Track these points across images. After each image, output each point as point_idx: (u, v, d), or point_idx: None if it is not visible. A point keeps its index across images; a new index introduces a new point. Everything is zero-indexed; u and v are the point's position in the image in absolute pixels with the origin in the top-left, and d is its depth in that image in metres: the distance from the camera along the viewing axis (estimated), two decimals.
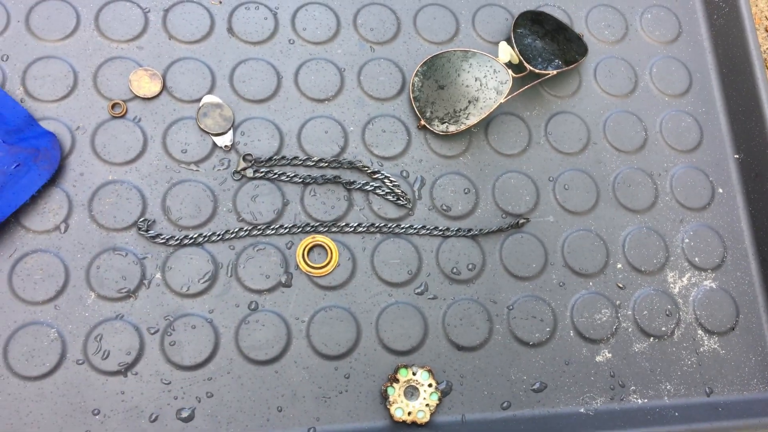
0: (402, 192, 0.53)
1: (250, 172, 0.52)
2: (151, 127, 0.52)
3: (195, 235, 0.49)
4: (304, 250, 0.50)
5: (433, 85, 0.55)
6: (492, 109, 0.54)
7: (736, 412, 0.51)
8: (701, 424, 0.50)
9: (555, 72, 0.56)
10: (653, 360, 0.53)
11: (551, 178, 0.56)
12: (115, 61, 0.53)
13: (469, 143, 0.56)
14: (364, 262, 0.51)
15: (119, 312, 0.47)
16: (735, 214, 0.59)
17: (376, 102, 0.56)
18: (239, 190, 0.51)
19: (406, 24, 0.59)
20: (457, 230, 0.53)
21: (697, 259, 0.56)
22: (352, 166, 0.53)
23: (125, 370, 0.46)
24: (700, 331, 0.54)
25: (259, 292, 0.49)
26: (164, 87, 0.53)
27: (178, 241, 0.49)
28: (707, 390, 0.53)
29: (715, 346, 0.54)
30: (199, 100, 0.53)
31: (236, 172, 0.52)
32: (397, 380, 0.48)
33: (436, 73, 0.55)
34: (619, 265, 0.55)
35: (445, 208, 0.54)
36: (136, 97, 0.52)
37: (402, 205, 0.53)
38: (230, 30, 0.56)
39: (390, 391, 0.48)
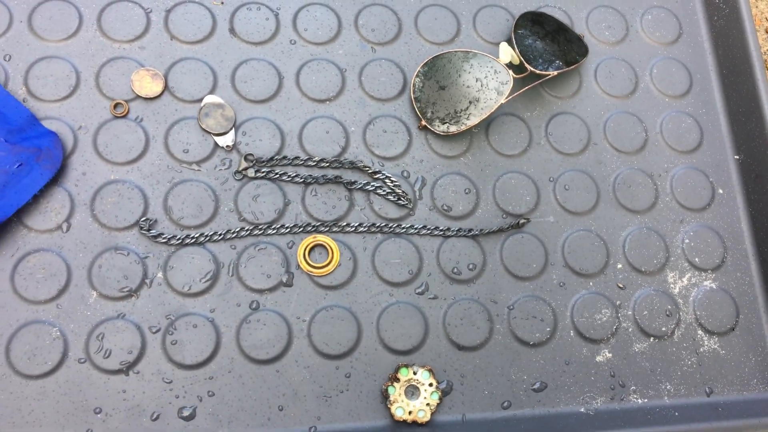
0: (403, 192, 0.53)
1: (251, 172, 0.52)
2: (152, 127, 0.52)
3: (196, 235, 0.50)
4: (305, 249, 0.50)
5: (434, 85, 0.55)
6: (493, 110, 0.54)
7: (736, 412, 0.51)
8: (701, 424, 0.50)
9: (555, 73, 0.56)
10: (653, 360, 0.53)
11: (552, 179, 0.56)
12: (117, 61, 0.53)
13: (470, 143, 0.56)
14: (365, 262, 0.51)
15: (121, 311, 0.47)
16: (735, 214, 0.59)
17: (377, 102, 0.56)
18: (241, 189, 0.52)
19: (408, 25, 0.59)
20: (458, 230, 0.53)
21: (697, 259, 0.57)
22: (353, 166, 0.53)
23: (127, 368, 0.46)
24: (700, 332, 0.54)
25: (260, 291, 0.49)
26: (166, 87, 0.53)
27: (180, 241, 0.49)
28: (707, 390, 0.53)
29: (715, 347, 0.54)
30: (200, 100, 0.53)
31: (238, 171, 0.52)
32: (397, 380, 0.48)
33: (437, 74, 0.56)
34: (620, 266, 0.55)
35: (445, 208, 0.54)
36: (138, 97, 0.53)
37: (403, 205, 0.53)
38: (232, 30, 0.56)
39: (391, 390, 0.48)
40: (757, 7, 1.06)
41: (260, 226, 0.51)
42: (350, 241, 0.52)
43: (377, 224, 0.52)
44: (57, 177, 0.50)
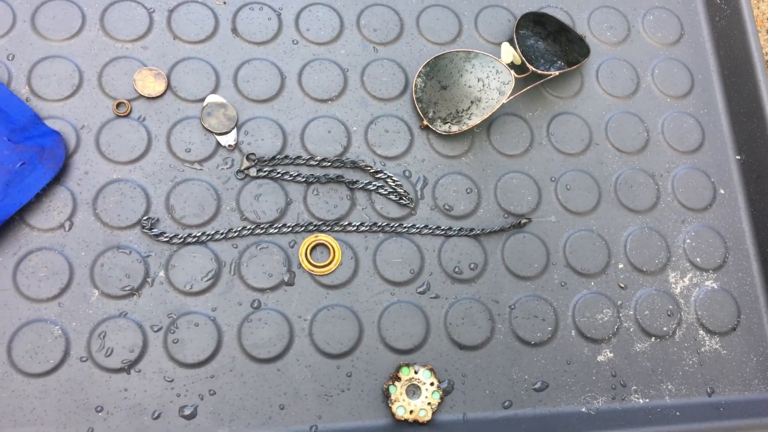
0: (404, 191, 0.53)
1: (253, 172, 0.52)
2: (155, 127, 0.52)
3: (198, 234, 0.50)
4: (306, 248, 0.51)
5: (435, 85, 0.56)
6: (494, 110, 0.54)
7: (737, 412, 0.51)
8: (702, 424, 0.50)
9: (557, 73, 0.56)
10: (655, 360, 0.53)
11: (553, 179, 0.57)
12: (120, 60, 0.53)
13: (472, 143, 0.56)
14: (367, 261, 0.51)
15: (123, 310, 0.47)
16: (736, 215, 0.59)
17: (379, 102, 0.56)
18: (243, 189, 0.52)
19: (409, 25, 0.59)
20: (460, 230, 0.53)
21: (698, 259, 0.57)
22: (354, 165, 0.53)
23: (128, 367, 0.46)
24: (701, 332, 0.54)
25: (261, 290, 0.49)
26: (169, 86, 0.53)
27: (182, 240, 0.49)
28: (708, 390, 0.53)
29: (717, 347, 0.54)
30: (203, 99, 0.53)
31: (240, 171, 0.52)
32: (399, 379, 0.48)
33: (439, 74, 0.56)
34: (621, 265, 0.55)
35: (447, 207, 0.54)
36: (141, 96, 0.53)
37: (404, 204, 0.53)
38: (234, 30, 0.56)
39: (392, 389, 0.48)
40: (758, 8, 1.06)
41: (262, 226, 0.51)
42: (352, 241, 0.52)
43: (379, 224, 0.52)
44: (59, 176, 0.50)
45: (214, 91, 0.54)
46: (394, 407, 0.47)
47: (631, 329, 0.53)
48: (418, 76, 0.56)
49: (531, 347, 0.51)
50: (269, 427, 0.46)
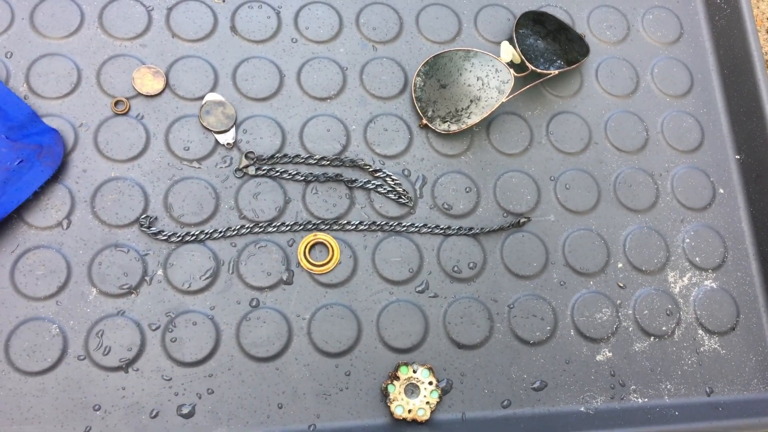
0: (403, 190, 0.53)
1: (252, 170, 0.52)
2: (153, 125, 0.52)
3: (197, 232, 0.50)
4: (305, 247, 0.50)
5: (435, 84, 0.55)
6: (494, 109, 0.54)
7: (736, 412, 0.51)
8: (701, 424, 0.50)
9: (557, 72, 0.56)
10: (653, 359, 0.53)
11: (552, 178, 0.56)
12: (119, 58, 0.53)
13: (471, 142, 0.56)
14: (366, 260, 0.51)
15: (120, 308, 0.47)
16: (736, 214, 0.59)
17: (378, 101, 0.56)
18: (241, 187, 0.52)
19: (409, 23, 0.59)
20: (459, 229, 0.53)
21: (697, 259, 0.56)
22: (353, 164, 0.53)
23: (126, 366, 0.46)
24: (700, 331, 0.54)
25: (260, 289, 0.49)
26: (167, 85, 0.53)
27: (180, 238, 0.49)
28: (707, 390, 0.53)
29: (716, 346, 0.54)
30: (201, 97, 0.53)
31: (238, 169, 0.52)
32: (397, 378, 0.48)
33: (438, 73, 0.56)
34: (620, 265, 0.55)
35: (446, 206, 0.54)
36: (139, 94, 0.53)
37: (403, 203, 0.53)
38: (233, 28, 0.56)
39: (390, 388, 0.48)
40: (758, 7, 1.06)
41: (261, 224, 0.51)
42: (351, 239, 0.52)
43: (378, 222, 0.52)
44: (57, 174, 0.50)
45: (212, 90, 0.54)
46: (392, 406, 0.47)
47: (630, 329, 0.53)
48: (418, 74, 0.56)
49: (530, 346, 0.51)
50: (267, 426, 0.46)
